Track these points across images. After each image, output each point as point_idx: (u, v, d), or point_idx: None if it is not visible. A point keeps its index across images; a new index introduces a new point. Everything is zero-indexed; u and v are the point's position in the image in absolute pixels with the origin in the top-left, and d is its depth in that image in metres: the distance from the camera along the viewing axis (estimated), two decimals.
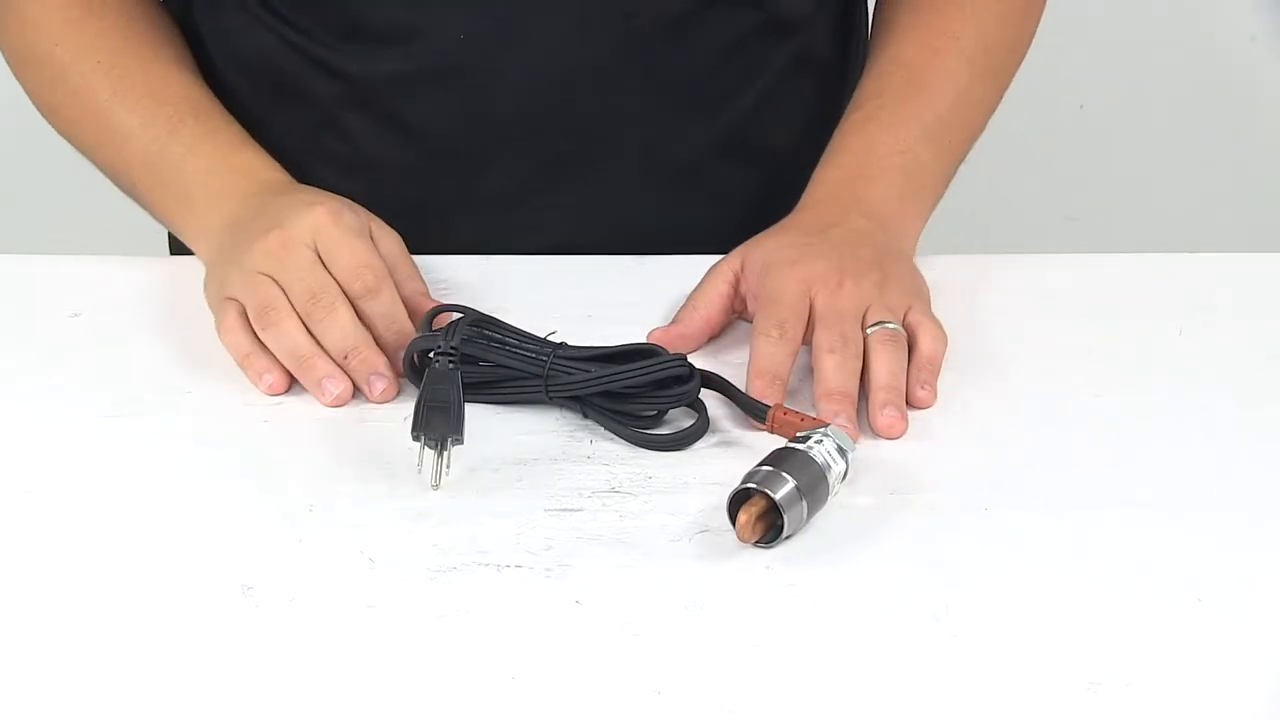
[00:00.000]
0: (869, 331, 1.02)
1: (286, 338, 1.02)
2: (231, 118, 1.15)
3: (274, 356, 1.03)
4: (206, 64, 1.21)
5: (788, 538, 0.91)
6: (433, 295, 1.09)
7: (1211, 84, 2.19)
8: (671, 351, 1.00)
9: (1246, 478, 0.97)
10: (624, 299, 1.11)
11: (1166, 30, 2.18)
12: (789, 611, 0.88)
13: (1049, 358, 1.07)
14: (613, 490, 0.96)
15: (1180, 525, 0.94)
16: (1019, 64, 1.21)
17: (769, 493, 0.90)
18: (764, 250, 1.08)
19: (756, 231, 1.12)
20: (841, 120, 1.16)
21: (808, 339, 1.03)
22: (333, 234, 1.04)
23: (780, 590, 0.89)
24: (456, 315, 1.02)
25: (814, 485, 0.92)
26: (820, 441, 0.93)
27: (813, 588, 0.89)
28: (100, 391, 1.03)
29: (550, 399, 1.00)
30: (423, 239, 1.13)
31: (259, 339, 1.03)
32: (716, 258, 1.11)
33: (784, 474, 0.91)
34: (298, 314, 1.02)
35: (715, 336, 1.08)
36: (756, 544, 0.91)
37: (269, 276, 1.03)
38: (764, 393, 1.00)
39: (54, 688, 0.83)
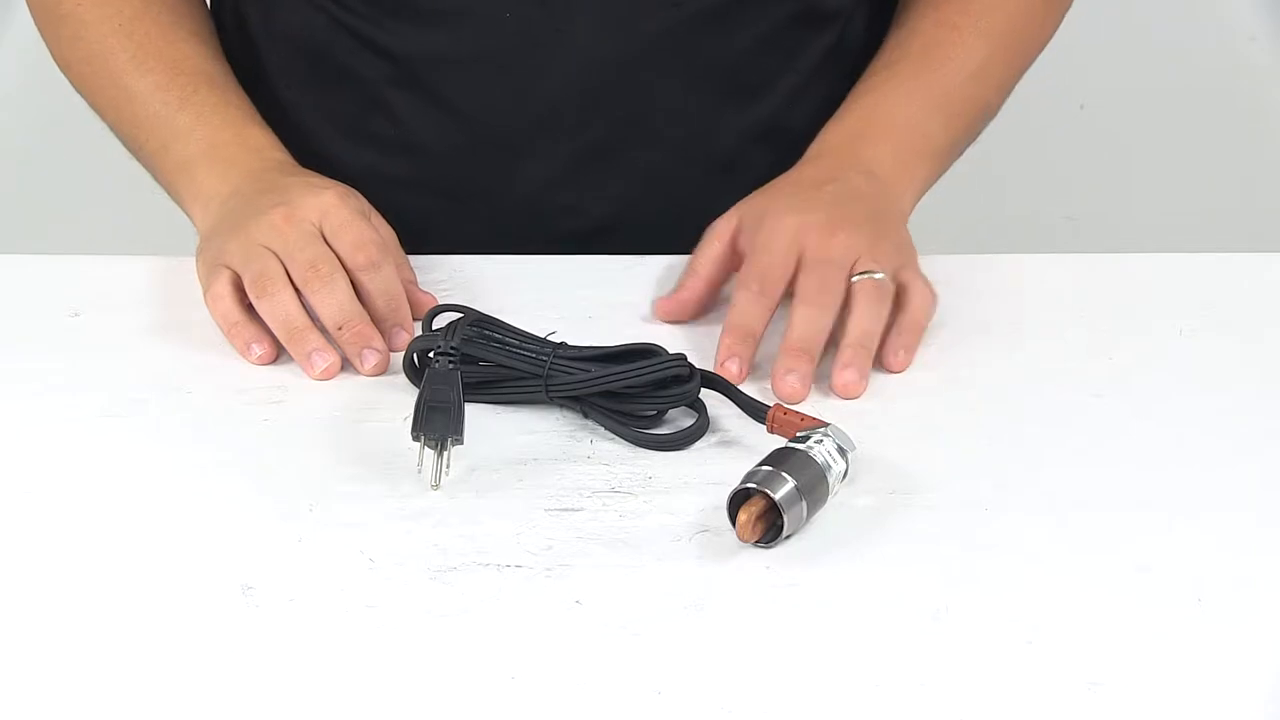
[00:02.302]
0: (854, 280, 1.03)
1: (280, 307, 1.03)
2: (244, 95, 1.17)
3: (263, 326, 1.04)
4: (252, 44, 1.22)
5: (788, 537, 0.91)
6: (433, 295, 1.09)
7: (1211, 84, 2.19)
8: (678, 319, 1.04)
9: (1246, 478, 0.97)
10: (624, 299, 1.11)
11: (1166, 30, 2.17)
12: (789, 611, 0.88)
13: (1049, 358, 1.07)
14: (613, 490, 0.96)
15: (1180, 525, 0.94)
16: (1039, 51, 1.21)
17: (769, 493, 0.90)
18: (759, 203, 1.09)
19: None
20: (855, 86, 1.17)
21: (792, 291, 1.04)
22: (341, 215, 1.06)
23: (780, 590, 0.89)
24: (456, 315, 1.02)
25: (813, 485, 0.92)
26: (820, 441, 0.93)
27: (813, 587, 0.89)
28: (100, 391, 1.03)
29: (550, 399, 1.00)
30: (465, 220, 1.14)
31: (246, 310, 1.05)
32: None
33: (784, 474, 0.91)
34: (294, 287, 1.04)
35: (717, 298, 1.09)
36: (756, 544, 0.91)
37: (270, 250, 1.05)
38: (732, 349, 1.02)
39: (54, 687, 0.83)
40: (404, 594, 0.88)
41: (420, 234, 1.12)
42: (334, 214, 1.06)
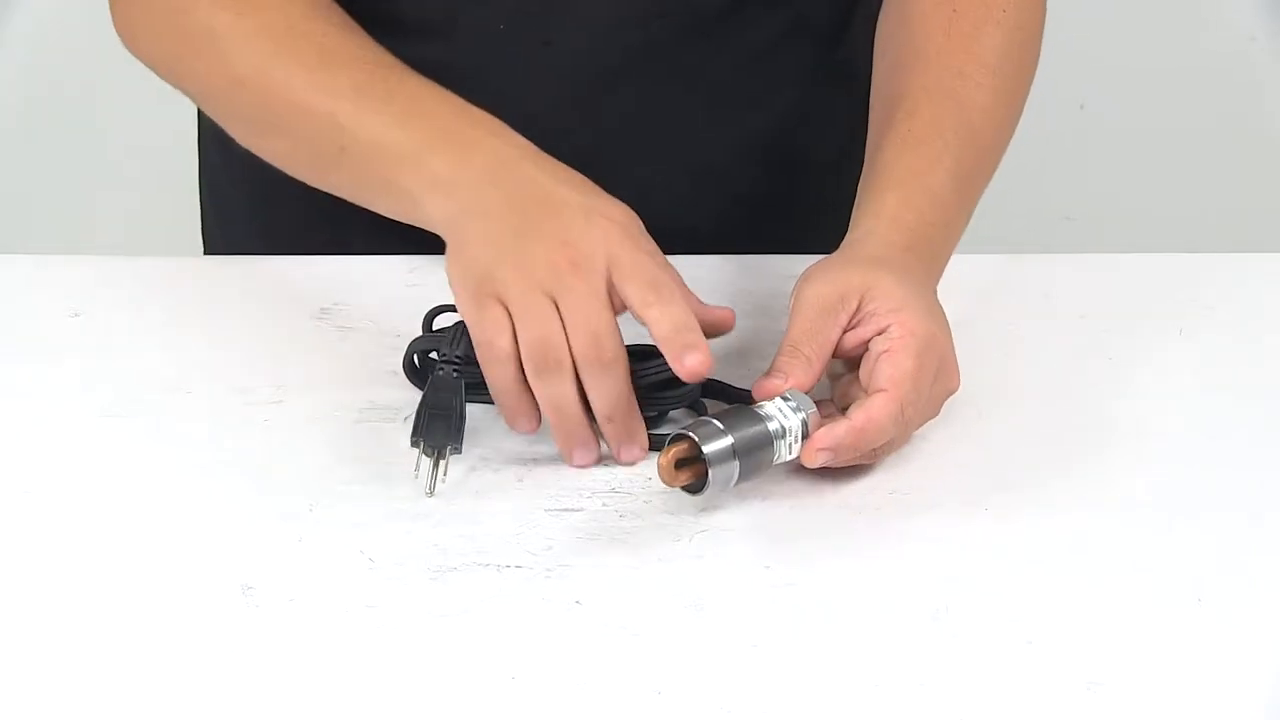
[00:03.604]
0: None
1: (560, 394, 0.96)
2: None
3: (533, 396, 0.97)
4: None
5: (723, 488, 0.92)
6: (433, 295, 1.09)
7: (1211, 84, 2.19)
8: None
9: (1246, 478, 0.98)
10: None
11: (1166, 30, 2.18)
12: (789, 611, 0.88)
13: (1049, 358, 1.07)
14: (613, 490, 0.96)
15: (1180, 525, 0.94)
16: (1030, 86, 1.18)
17: (695, 438, 0.91)
18: (892, 301, 0.98)
19: (779, 230, 1.12)
20: (906, 149, 1.06)
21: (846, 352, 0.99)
22: (629, 255, 0.98)
23: (780, 590, 0.89)
24: (459, 318, 1.02)
25: (755, 447, 0.92)
26: (779, 406, 0.94)
27: (813, 587, 0.89)
28: (100, 391, 1.03)
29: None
30: None
31: (520, 373, 0.97)
32: (720, 257, 1.12)
33: (722, 426, 0.92)
34: (573, 360, 0.96)
35: None
36: (685, 489, 0.92)
37: (550, 299, 0.96)
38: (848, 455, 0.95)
39: (54, 688, 0.83)
40: (404, 594, 0.88)
41: (420, 242, 1.11)
42: (622, 257, 0.97)
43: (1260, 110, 2.21)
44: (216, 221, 1.33)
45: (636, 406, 0.97)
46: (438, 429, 0.96)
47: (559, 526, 0.93)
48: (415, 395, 0.98)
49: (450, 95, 1.06)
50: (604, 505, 0.95)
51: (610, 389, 0.96)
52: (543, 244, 0.97)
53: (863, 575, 0.90)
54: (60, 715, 0.82)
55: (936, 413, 0.99)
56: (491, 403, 1.00)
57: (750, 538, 0.93)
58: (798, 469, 0.95)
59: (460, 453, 0.96)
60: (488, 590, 0.89)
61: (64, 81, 2.07)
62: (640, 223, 1.01)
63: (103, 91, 2.09)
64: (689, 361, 0.95)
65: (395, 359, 1.04)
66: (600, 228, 0.98)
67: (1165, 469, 0.98)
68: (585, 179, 1.03)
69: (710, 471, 0.92)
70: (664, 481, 0.92)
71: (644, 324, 0.96)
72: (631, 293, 0.97)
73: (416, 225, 1.03)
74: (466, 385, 0.98)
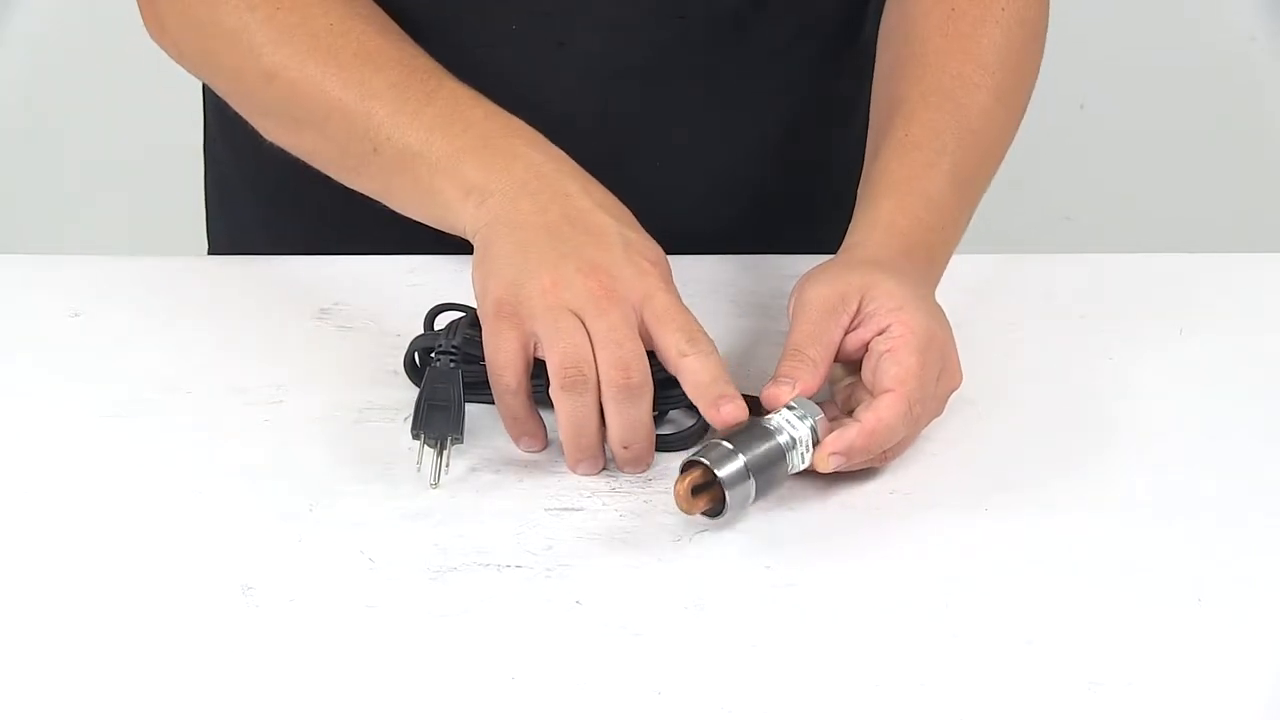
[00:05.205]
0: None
1: (582, 414, 0.96)
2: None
3: (540, 422, 0.98)
4: None
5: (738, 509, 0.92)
6: (433, 295, 1.09)
7: (1211, 84, 2.19)
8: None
9: (1246, 478, 0.98)
10: None
11: (1166, 30, 2.18)
12: (789, 611, 0.88)
13: (1049, 358, 1.07)
14: (613, 490, 0.96)
15: (1180, 525, 0.94)
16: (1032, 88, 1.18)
17: (708, 463, 0.91)
18: (892, 300, 0.98)
19: (795, 230, 1.13)
20: (902, 155, 1.07)
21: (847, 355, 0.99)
22: (663, 300, 0.97)
23: (780, 590, 0.89)
24: (458, 314, 1.02)
25: (769, 463, 0.92)
26: (782, 413, 0.93)
27: (813, 587, 0.89)
28: (100, 391, 1.03)
29: (551, 399, 1.00)
30: None
31: (529, 394, 0.97)
32: (721, 257, 1.12)
33: (732, 447, 0.92)
34: (597, 382, 0.95)
35: None
36: (704, 514, 0.92)
37: (581, 323, 0.96)
38: (862, 453, 0.95)
39: (54, 688, 0.83)
40: (404, 594, 0.88)
41: (430, 243, 1.11)
42: (657, 299, 0.97)
43: (1260, 110, 2.21)
44: (223, 220, 1.33)
45: (654, 437, 0.97)
46: (438, 420, 0.96)
47: (559, 526, 0.93)
48: (415, 395, 0.98)
49: (489, 103, 1.05)
50: (604, 505, 0.95)
51: (633, 418, 0.95)
52: (578, 266, 0.97)
53: (863, 575, 0.90)
54: (60, 715, 0.82)
55: (941, 410, 0.99)
56: (491, 403, 1.00)
57: (750, 538, 0.93)
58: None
59: (461, 442, 0.96)
60: (488, 590, 0.89)
61: (65, 81, 2.07)
62: (670, 267, 1.00)
63: (103, 91, 2.09)
64: (725, 410, 0.94)
65: (395, 359, 1.04)
66: (637, 265, 0.98)
67: (1165, 469, 0.98)
68: (622, 205, 1.02)
69: (727, 495, 0.91)
70: (682, 510, 0.92)
71: (677, 372, 0.96)
72: (667, 339, 0.96)
73: (443, 230, 1.03)
74: (466, 384, 0.98)
